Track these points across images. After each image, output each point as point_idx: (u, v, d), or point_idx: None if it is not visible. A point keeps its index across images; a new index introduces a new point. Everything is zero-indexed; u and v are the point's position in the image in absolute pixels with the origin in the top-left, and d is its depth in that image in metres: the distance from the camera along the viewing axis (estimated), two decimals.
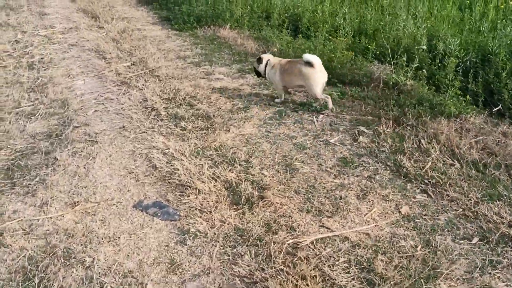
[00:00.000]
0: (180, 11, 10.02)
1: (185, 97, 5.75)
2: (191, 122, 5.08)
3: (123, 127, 5.19)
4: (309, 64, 4.96)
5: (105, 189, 4.03)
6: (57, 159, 4.55)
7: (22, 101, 6.12)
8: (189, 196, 3.80)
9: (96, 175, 4.26)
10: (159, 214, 3.65)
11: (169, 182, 4.05)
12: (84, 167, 4.40)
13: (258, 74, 5.74)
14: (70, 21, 10.84)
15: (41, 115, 5.63)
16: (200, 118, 5.18)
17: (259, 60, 5.55)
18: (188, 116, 5.21)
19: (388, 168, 4.17)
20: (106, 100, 6.01)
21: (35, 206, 3.86)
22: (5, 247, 3.37)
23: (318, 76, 5.03)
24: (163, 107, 5.49)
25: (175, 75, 6.67)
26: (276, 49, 7.46)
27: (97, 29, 9.82)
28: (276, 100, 5.63)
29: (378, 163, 4.26)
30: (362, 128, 4.92)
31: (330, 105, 5.27)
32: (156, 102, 5.61)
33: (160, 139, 4.77)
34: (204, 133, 4.86)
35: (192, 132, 4.88)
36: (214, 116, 5.24)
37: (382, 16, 7.99)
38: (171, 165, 4.23)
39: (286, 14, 9.38)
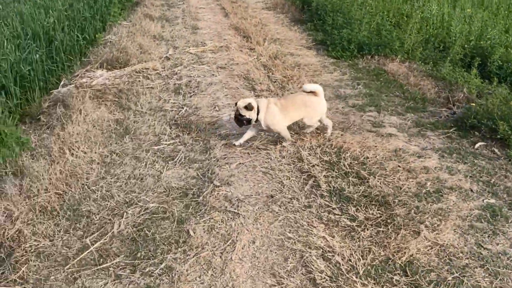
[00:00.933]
0: (339, 36, 8.76)
1: (351, 163, 4.44)
2: (363, 208, 3.76)
3: (272, 196, 4.08)
4: (313, 93, 4.92)
5: None
6: (190, 234, 3.62)
7: (163, 136, 5.45)
8: None
9: (234, 274, 3.19)
10: None
11: None
12: (221, 256, 3.37)
13: (243, 123, 4.90)
14: (221, 39, 10.33)
15: (180, 161, 4.84)
16: (374, 204, 3.83)
17: (249, 107, 4.73)
18: (357, 197, 3.90)
19: None
20: (252, 150, 5.01)
21: None
22: None
23: (322, 105, 4.97)
24: (324, 176, 4.26)
25: (336, 123, 5.41)
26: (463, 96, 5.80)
27: (247, 50, 9.07)
28: (285, 144, 5.00)
29: None
30: None
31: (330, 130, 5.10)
32: (314, 166, 4.41)
33: (320, 231, 3.53)
34: (383, 232, 3.49)
35: (365, 227, 3.55)
36: (393, 202, 3.84)
37: None
38: (338, 286, 2.96)
39: (467, 46, 7.55)
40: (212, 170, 4.62)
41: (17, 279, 3.18)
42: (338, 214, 3.72)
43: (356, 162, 4.47)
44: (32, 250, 3.45)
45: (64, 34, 9.16)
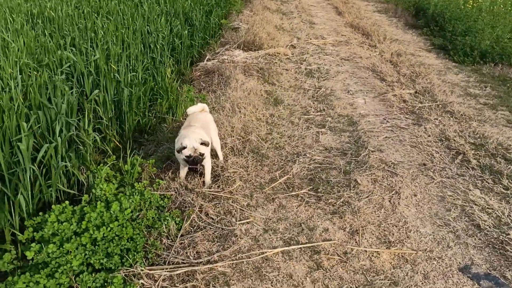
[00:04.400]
0: (461, 42, 9.12)
1: (496, 147, 4.95)
2: None
3: (424, 164, 4.71)
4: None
5: (419, 236, 3.59)
6: (358, 182, 4.33)
7: (310, 109, 6.22)
8: None
9: (404, 214, 3.86)
10: None
11: (502, 254, 3.37)
12: (389, 201, 4.05)
13: (199, 161, 3.94)
14: (339, 34, 11.01)
15: (330, 128, 5.59)
16: None
17: (206, 143, 3.90)
18: (508, 173, 4.42)
19: None
20: (395, 128, 5.65)
21: (344, 230, 3.66)
22: (323, 270, 3.21)
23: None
24: (472, 154, 4.81)
25: (471, 115, 5.90)
26: None
27: (368, 47, 9.67)
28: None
29: None
30: None
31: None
32: (462, 145, 4.97)
33: (476, 193, 4.11)
34: None
35: None
36: None
37: None
38: (504, 233, 3.54)
39: None
40: (362, 138, 5.32)
41: (231, 191, 4.07)
42: (491, 183, 4.27)
43: (500, 147, 4.97)
44: (234, 176, 4.34)
45: (200, 16, 10.30)
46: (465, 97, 6.71)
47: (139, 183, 3.95)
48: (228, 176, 4.29)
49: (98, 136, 4.66)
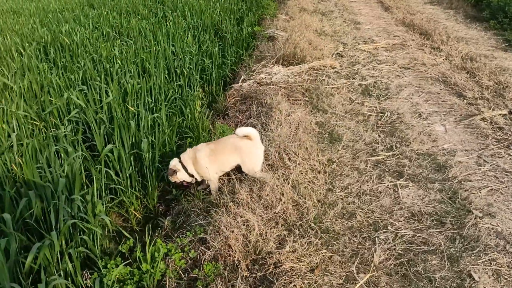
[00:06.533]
0: None
1: None
2: None
3: None
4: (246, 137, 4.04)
5: None
6: (473, 278, 2.97)
7: (377, 146, 4.88)
8: None
9: None
10: None
11: None
12: None
13: (187, 186, 4.34)
14: (390, 35, 9.52)
15: (411, 178, 4.22)
16: None
17: (171, 172, 4.11)
18: None
19: None
20: (499, 172, 4.23)
21: None
22: None
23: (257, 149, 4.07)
24: None
25: None
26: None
27: (430, 49, 8.16)
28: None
29: None
30: None
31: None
32: None
33: None
34: None
35: None
36: None
37: None
38: None
39: None
40: (459, 193, 3.93)
41: None
42: None
43: None
44: (292, 276, 3.07)
45: (231, 26, 9.07)
46: None
47: None
48: (283, 278, 3.02)
49: (108, 219, 3.50)
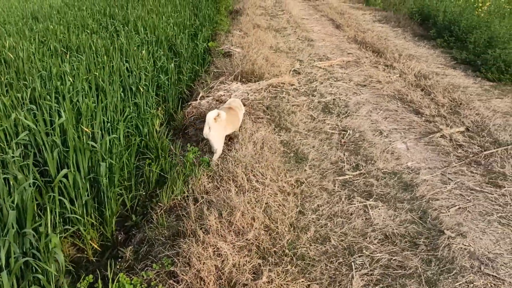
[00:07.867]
0: (492, 56, 7.86)
1: None
2: None
3: None
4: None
5: None
6: None
7: (343, 165, 4.84)
8: None
9: None
10: None
11: None
12: None
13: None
14: (343, 52, 9.71)
15: (381, 198, 4.20)
16: None
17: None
18: None
19: None
20: (464, 190, 4.30)
21: None
22: None
23: None
24: None
25: None
26: None
27: (384, 67, 8.35)
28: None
29: None
30: None
31: None
32: None
33: None
34: None
35: None
36: None
37: None
38: None
39: None
40: (428, 213, 3.94)
41: None
42: None
43: None
44: None
45: (186, 42, 8.88)
46: None
47: None
48: None
49: (62, 256, 3.17)
